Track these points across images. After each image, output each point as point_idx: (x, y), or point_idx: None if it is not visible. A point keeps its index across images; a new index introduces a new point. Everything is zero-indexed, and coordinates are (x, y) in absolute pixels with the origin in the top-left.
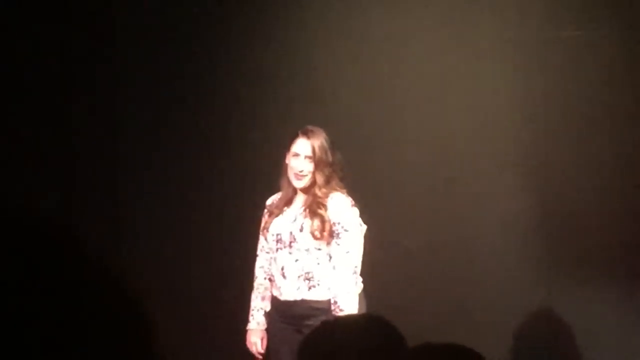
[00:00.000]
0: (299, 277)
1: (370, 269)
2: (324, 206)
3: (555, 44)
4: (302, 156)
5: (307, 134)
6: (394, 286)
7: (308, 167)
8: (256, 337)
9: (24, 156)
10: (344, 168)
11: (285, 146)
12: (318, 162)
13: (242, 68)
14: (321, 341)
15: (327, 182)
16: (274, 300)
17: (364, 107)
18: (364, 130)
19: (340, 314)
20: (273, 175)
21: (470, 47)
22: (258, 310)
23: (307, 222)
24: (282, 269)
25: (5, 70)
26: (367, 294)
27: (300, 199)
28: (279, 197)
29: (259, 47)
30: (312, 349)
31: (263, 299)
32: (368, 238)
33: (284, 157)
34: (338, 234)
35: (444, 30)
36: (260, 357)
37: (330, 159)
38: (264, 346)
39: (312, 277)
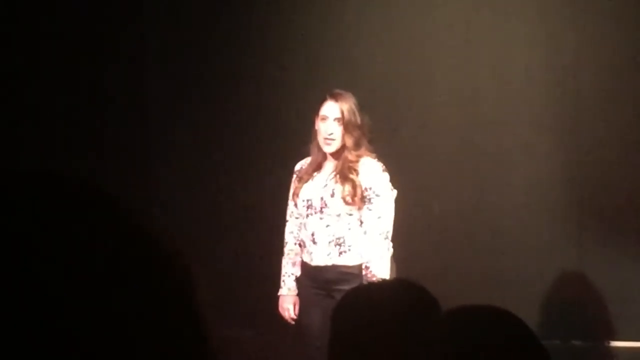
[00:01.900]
0: (329, 242)
1: (400, 234)
2: (355, 171)
3: (586, 5)
4: (330, 119)
5: (335, 96)
6: (424, 250)
7: (337, 130)
8: (288, 303)
9: (60, 125)
10: (372, 131)
11: (314, 111)
12: (347, 125)
13: (270, 34)
14: (354, 306)
15: (357, 144)
16: (305, 266)
17: (392, 70)
18: (392, 93)
19: (373, 279)
20: (302, 140)
21: (501, 9)
22: (289, 276)
23: (338, 187)
24: (313, 234)
25: (48, 45)
26: (397, 259)
27: (330, 164)
28: (307, 162)
29: (287, 11)
30: (346, 313)
31: (294, 264)
32: (398, 202)
33: (313, 122)
34: (370, 199)
35: None
36: (293, 322)
37: (358, 121)
38: (297, 311)
39: (343, 243)
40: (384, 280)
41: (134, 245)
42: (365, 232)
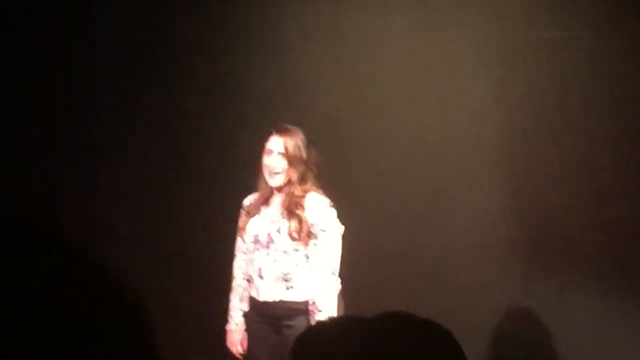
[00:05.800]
0: (276, 278)
1: (348, 270)
2: (302, 206)
3: (534, 44)
4: (275, 153)
5: (280, 131)
6: (372, 287)
7: (281, 164)
8: (236, 338)
9: (9, 157)
10: (320, 167)
11: (262, 146)
12: (291, 159)
13: (220, 68)
14: (310, 348)
15: (302, 179)
16: (252, 301)
17: (342, 107)
18: (342, 130)
19: (319, 314)
20: (251, 175)
21: (449, 48)
22: (237, 311)
23: (285, 224)
24: (260, 270)
25: None
26: (345, 295)
27: (277, 199)
28: (256, 197)
29: (236, 47)
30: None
31: (241, 299)
32: (346, 239)
33: (260, 156)
34: (316, 235)
35: (423, 31)
36: (241, 357)
37: (304, 156)
38: (245, 347)
39: (290, 279)
40: (334, 319)
41: (86, 279)
42: (312, 268)
